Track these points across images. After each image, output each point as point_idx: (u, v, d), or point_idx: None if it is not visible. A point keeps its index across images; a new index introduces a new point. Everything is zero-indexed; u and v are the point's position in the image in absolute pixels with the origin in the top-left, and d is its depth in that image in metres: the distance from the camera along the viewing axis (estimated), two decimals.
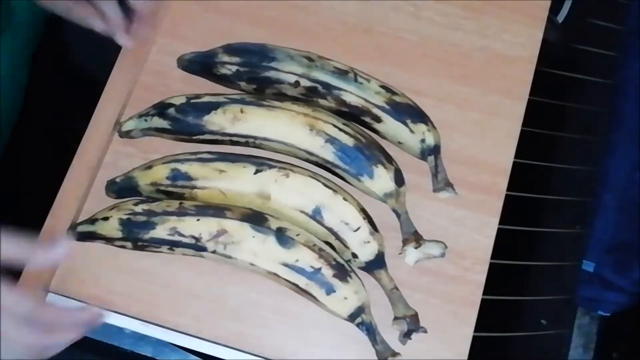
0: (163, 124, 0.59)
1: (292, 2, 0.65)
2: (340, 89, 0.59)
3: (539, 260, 0.75)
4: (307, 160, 0.58)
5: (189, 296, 0.57)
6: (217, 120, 0.58)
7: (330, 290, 0.54)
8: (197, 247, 0.55)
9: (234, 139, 0.58)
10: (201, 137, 0.58)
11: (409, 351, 0.56)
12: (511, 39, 0.65)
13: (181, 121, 0.58)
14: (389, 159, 0.58)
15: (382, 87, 0.60)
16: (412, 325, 0.55)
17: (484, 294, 0.58)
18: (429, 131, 0.59)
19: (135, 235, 0.55)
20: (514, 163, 0.61)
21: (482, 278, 0.58)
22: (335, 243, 0.56)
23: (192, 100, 0.58)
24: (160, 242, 0.55)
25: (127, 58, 0.62)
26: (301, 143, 0.57)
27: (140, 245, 0.56)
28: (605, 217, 0.79)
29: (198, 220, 0.55)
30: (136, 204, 0.56)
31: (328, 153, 0.57)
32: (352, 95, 0.59)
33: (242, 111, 0.57)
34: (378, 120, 0.59)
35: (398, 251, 0.57)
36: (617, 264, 0.78)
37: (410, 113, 0.60)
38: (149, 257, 0.57)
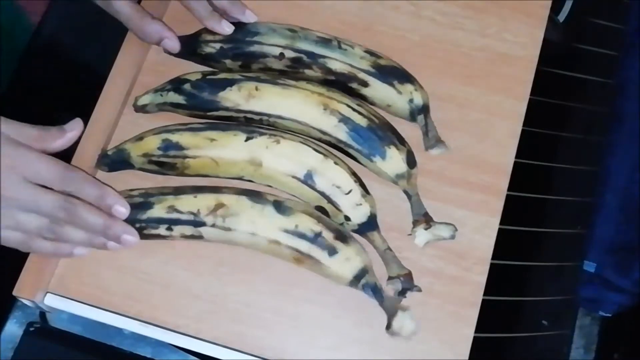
0: (178, 99, 0.59)
1: (292, 2, 0.65)
2: (325, 57, 0.60)
3: (540, 260, 0.75)
4: (320, 139, 0.59)
5: (188, 296, 0.57)
6: (231, 97, 0.58)
7: (332, 251, 0.55)
8: (196, 222, 0.55)
9: (248, 115, 0.59)
10: (216, 113, 0.59)
11: (409, 352, 0.56)
12: (512, 39, 0.65)
13: (196, 97, 0.59)
14: (402, 141, 0.59)
15: (367, 51, 0.61)
16: (406, 283, 0.55)
17: (484, 294, 0.58)
18: (416, 91, 0.60)
19: (132, 217, 0.55)
20: (515, 163, 0.61)
21: (482, 278, 0.58)
22: (328, 207, 0.57)
23: (207, 77, 0.59)
24: (158, 221, 0.56)
25: (126, 58, 0.62)
26: (315, 122, 0.58)
27: (138, 227, 0.56)
28: (606, 217, 0.78)
29: (195, 197, 0.56)
30: (132, 189, 0.57)
31: (341, 133, 0.58)
32: (337, 62, 0.60)
33: (256, 89, 0.58)
34: (365, 84, 0.60)
35: (399, 251, 0.57)
36: (618, 265, 0.78)
37: (396, 74, 0.61)
38: (149, 257, 0.57)
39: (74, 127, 0.55)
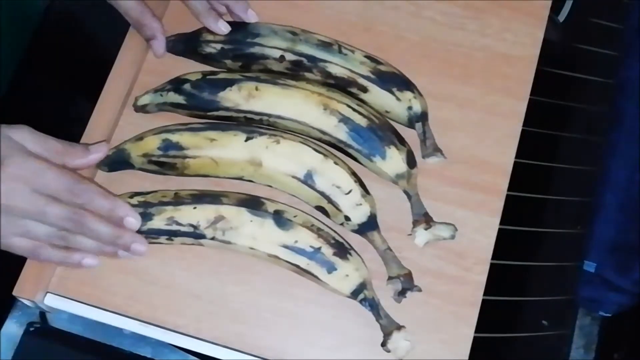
0: (178, 99, 0.59)
1: (292, 2, 0.65)
2: (325, 61, 0.60)
3: (540, 260, 0.75)
4: (320, 139, 0.59)
5: (188, 297, 0.57)
6: (231, 97, 0.58)
7: (331, 268, 0.55)
8: (196, 234, 0.55)
9: (248, 115, 0.59)
10: (216, 113, 0.59)
11: (409, 352, 0.55)
12: (512, 39, 0.65)
13: (196, 97, 0.59)
14: (402, 141, 0.59)
15: (367, 57, 0.61)
16: (406, 283, 0.55)
17: (484, 294, 0.58)
18: (415, 98, 0.60)
19: None
20: (515, 163, 0.61)
21: (482, 278, 0.58)
22: (328, 207, 0.57)
23: (207, 77, 0.59)
24: (158, 232, 0.55)
25: (126, 58, 0.62)
26: (315, 122, 0.58)
27: None
28: (606, 217, 0.78)
29: (195, 208, 0.55)
30: (131, 197, 0.57)
31: (341, 133, 0.58)
32: (337, 66, 0.60)
33: (256, 89, 0.58)
34: (364, 90, 0.60)
35: (399, 251, 0.57)
36: (618, 265, 0.78)
37: (395, 81, 0.60)
38: (149, 257, 0.57)
39: (98, 150, 0.56)
